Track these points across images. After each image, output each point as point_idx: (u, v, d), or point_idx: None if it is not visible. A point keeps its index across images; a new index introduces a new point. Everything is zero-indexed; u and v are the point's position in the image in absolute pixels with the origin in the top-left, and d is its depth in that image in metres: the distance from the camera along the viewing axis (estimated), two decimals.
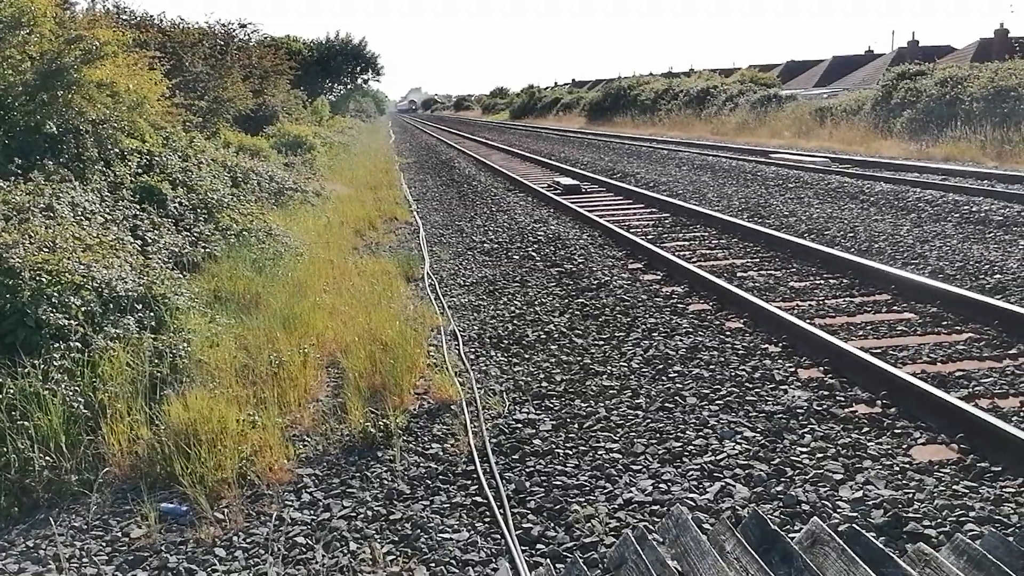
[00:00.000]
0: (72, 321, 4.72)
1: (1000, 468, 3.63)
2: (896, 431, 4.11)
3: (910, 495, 3.45)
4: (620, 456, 3.98)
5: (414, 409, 4.69)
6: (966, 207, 10.38)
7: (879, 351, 5.23)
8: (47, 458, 3.86)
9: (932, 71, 22.70)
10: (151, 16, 16.36)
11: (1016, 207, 10.14)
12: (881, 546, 2.64)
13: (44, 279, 4.89)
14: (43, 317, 4.65)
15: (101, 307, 5.03)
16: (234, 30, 21.10)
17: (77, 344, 4.59)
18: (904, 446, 3.95)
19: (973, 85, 19.80)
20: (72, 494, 3.79)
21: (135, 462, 3.99)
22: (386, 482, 3.84)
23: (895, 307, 6.30)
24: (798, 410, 4.41)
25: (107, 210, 7.04)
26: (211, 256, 7.54)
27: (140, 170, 8.54)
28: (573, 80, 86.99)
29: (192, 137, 11.17)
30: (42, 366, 4.33)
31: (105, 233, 6.34)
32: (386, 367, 4.98)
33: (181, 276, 6.46)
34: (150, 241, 6.96)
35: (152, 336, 5.01)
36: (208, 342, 5.19)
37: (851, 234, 9.29)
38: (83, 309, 4.86)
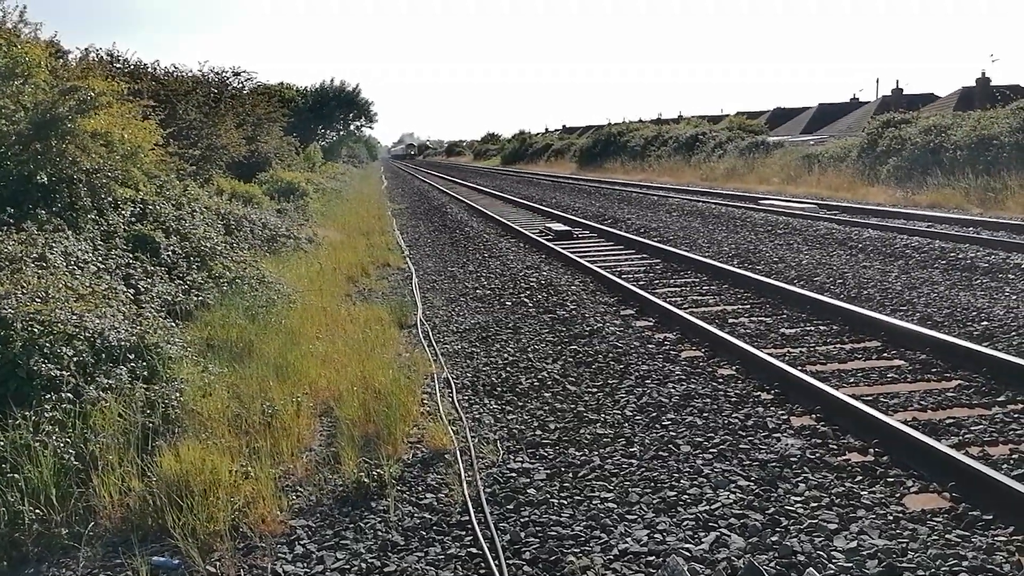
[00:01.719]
0: (64, 372, 4.72)
1: (991, 516, 3.65)
2: (889, 479, 4.12)
3: (904, 544, 3.46)
4: (615, 505, 3.98)
5: (408, 458, 4.68)
6: (952, 254, 10.50)
7: (870, 398, 5.26)
8: (37, 511, 3.84)
9: (916, 119, 23.07)
10: (145, 64, 16.55)
11: (1001, 254, 10.26)
12: None
13: (36, 329, 4.90)
14: (35, 368, 4.65)
15: (93, 357, 5.03)
16: (228, 78, 21.36)
17: (69, 395, 4.58)
18: (897, 495, 3.96)
19: (956, 133, 20.10)
20: (62, 548, 3.75)
21: (126, 514, 3.96)
22: (380, 533, 3.82)
23: (885, 354, 6.34)
24: (791, 458, 4.42)
25: (100, 259, 7.07)
26: (204, 304, 7.55)
27: (133, 219, 8.58)
28: (564, 126, 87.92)
29: (186, 185, 11.26)
30: (33, 417, 4.32)
31: (98, 282, 6.36)
32: (379, 415, 4.98)
33: (174, 325, 6.47)
34: (143, 290, 6.97)
35: (144, 386, 5.01)
36: (201, 391, 5.18)
37: (840, 280, 9.37)
38: (75, 359, 4.86)
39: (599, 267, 10.75)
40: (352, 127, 54.57)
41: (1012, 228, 12.74)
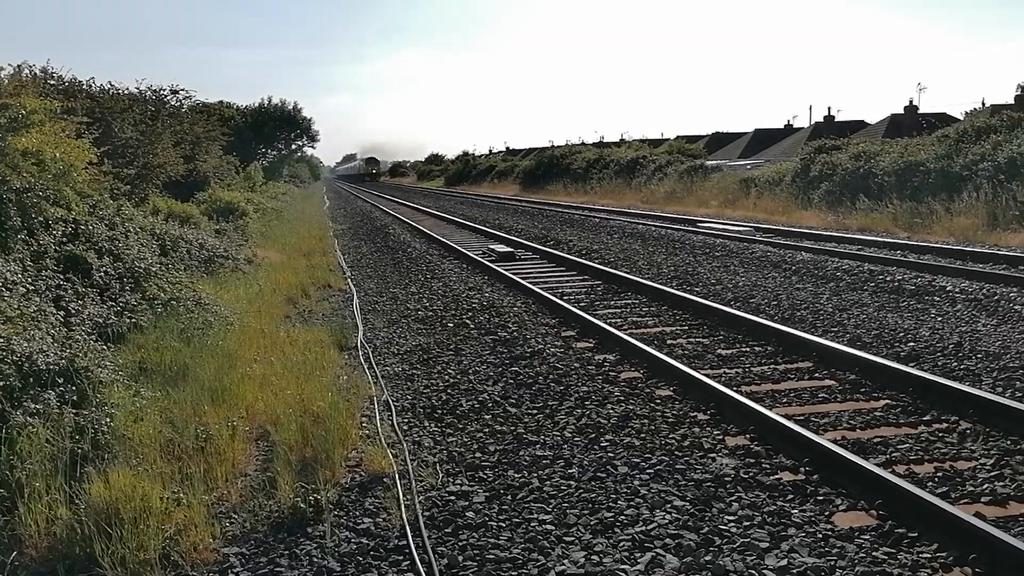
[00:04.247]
0: None
1: (916, 534, 3.76)
2: (819, 498, 4.22)
3: (832, 562, 3.55)
4: (553, 527, 4.00)
5: (346, 482, 4.64)
6: (881, 276, 10.83)
7: (802, 418, 5.39)
8: None
9: (846, 146, 23.81)
10: (80, 82, 16.17)
11: (927, 277, 10.62)
12: None
13: None
14: None
15: (20, 381, 4.88)
16: (166, 96, 20.98)
17: None
18: (826, 513, 4.06)
19: (885, 160, 20.80)
20: None
21: (53, 543, 3.85)
22: (316, 560, 3.78)
23: (816, 374, 6.51)
24: (726, 478, 4.50)
25: (29, 280, 6.86)
26: (137, 326, 7.38)
27: (65, 239, 8.35)
28: (507, 148, 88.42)
29: (120, 205, 11.00)
30: None
31: (27, 304, 6.17)
32: (317, 439, 4.93)
33: (105, 348, 6.31)
34: (74, 312, 6.79)
35: (73, 411, 4.87)
36: (132, 416, 5.07)
37: (775, 302, 9.58)
38: (1, 384, 4.71)
39: (541, 288, 10.82)
40: (293, 146, 54.13)
41: (937, 252, 13.20)
